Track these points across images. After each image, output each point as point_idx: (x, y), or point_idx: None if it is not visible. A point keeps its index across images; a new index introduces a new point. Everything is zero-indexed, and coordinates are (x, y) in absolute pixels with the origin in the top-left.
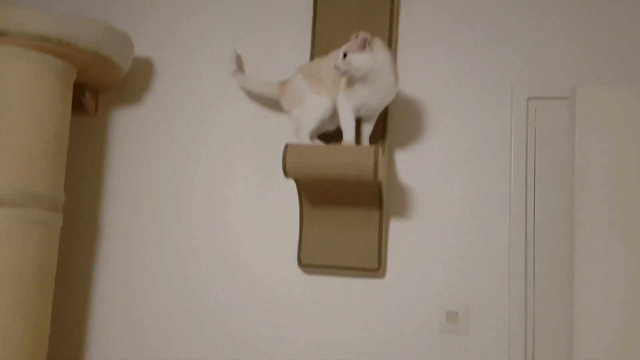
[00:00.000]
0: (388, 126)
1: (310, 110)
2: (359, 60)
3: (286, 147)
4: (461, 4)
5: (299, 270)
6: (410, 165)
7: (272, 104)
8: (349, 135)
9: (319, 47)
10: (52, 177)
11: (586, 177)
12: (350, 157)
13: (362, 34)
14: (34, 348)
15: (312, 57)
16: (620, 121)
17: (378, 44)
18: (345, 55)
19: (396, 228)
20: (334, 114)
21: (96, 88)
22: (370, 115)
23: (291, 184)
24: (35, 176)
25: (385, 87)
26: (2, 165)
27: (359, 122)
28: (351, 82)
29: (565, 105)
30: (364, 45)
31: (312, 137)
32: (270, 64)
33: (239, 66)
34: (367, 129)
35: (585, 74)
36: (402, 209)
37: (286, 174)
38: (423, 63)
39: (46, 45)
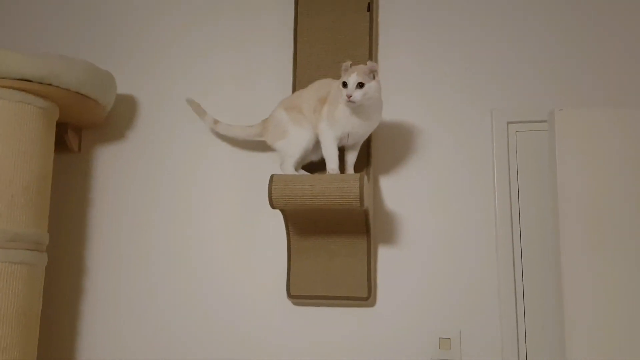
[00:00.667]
0: (372, 153)
1: (293, 142)
2: (373, 89)
3: (271, 178)
4: (440, 30)
5: (288, 302)
6: (395, 191)
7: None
8: (331, 163)
9: (301, 78)
10: (35, 217)
11: (568, 197)
12: (336, 185)
13: (370, 64)
14: None
15: (294, 90)
16: (598, 142)
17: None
18: (361, 85)
19: (384, 255)
20: (318, 144)
21: (79, 126)
22: (355, 143)
23: (278, 216)
24: (19, 216)
25: (375, 115)
26: None
27: (343, 151)
28: (357, 111)
29: (544, 128)
30: (373, 75)
31: (296, 168)
32: (253, 99)
33: (200, 114)
34: (351, 157)
35: (562, 97)
36: (389, 236)
37: (272, 205)
38: (403, 90)
39: (28, 85)
